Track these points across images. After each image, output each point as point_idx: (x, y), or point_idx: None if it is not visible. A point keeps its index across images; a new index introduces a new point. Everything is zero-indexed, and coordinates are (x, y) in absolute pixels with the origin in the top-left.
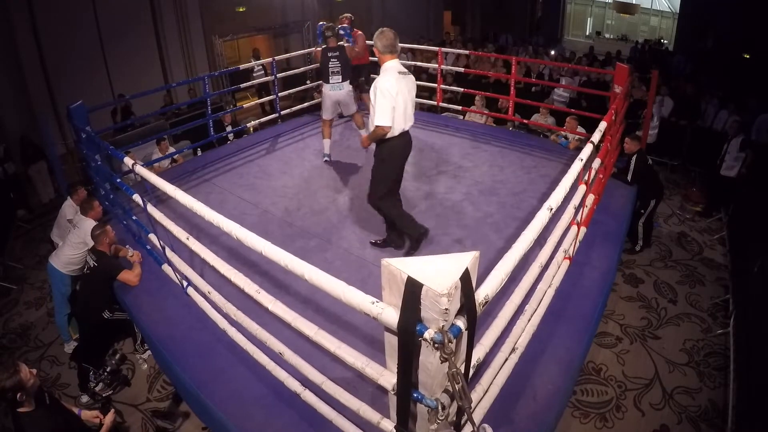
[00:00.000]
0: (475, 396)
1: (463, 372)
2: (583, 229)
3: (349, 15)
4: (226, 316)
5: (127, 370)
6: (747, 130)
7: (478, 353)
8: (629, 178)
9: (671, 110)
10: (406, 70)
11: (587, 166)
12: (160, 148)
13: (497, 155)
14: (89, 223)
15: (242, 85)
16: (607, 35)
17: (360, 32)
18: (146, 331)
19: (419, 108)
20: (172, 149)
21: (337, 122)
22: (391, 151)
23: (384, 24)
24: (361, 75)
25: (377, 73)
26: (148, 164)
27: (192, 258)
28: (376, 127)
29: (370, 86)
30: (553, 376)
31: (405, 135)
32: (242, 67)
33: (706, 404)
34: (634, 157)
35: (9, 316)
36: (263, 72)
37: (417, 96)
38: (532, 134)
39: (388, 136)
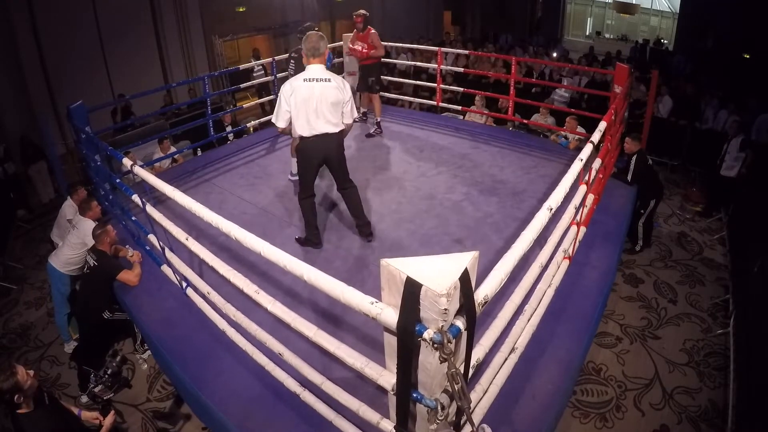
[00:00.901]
0: (474, 396)
1: (462, 372)
2: (583, 229)
3: (363, 12)
4: (225, 316)
5: (127, 371)
6: (747, 130)
7: (478, 353)
8: (629, 178)
9: (670, 110)
10: (325, 77)
11: (587, 166)
12: (161, 148)
13: (497, 155)
14: (88, 224)
15: (242, 85)
16: (607, 35)
17: (373, 30)
18: (146, 331)
19: (419, 108)
20: (173, 149)
21: None
22: (301, 153)
23: (384, 24)
24: (371, 75)
25: (386, 74)
26: (149, 164)
27: (191, 258)
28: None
29: (380, 87)
30: (553, 376)
31: (314, 140)
32: (242, 67)
33: (706, 404)
34: (634, 157)
35: (9, 316)
36: (263, 72)
37: (417, 96)
38: (532, 134)
39: (296, 137)
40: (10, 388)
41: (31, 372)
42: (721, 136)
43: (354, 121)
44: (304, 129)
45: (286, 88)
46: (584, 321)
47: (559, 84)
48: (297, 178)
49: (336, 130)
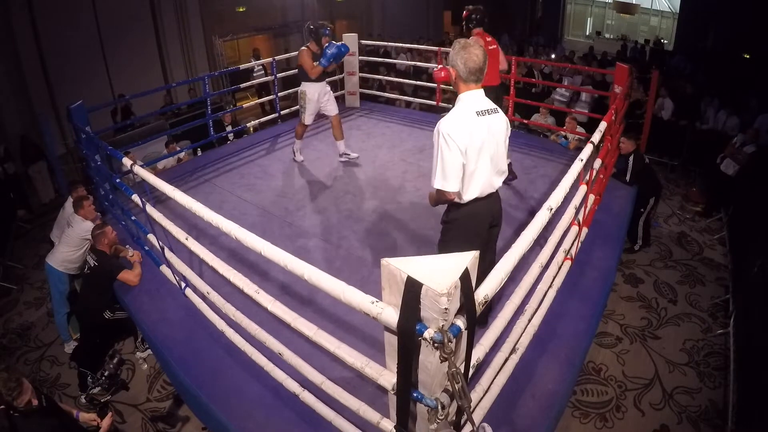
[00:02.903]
0: (475, 396)
1: (462, 371)
2: (584, 230)
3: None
4: (224, 316)
5: (126, 371)
6: (745, 130)
7: (478, 353)
8: (628, 178)
9: (672, 112)
10: (492, 107)
11: (588, 166)
12: (168, 150)
13: None
14: (83, 223)
15: (242, 85)
16: (607, 35)
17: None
18: (146, 331)
19: (419, 108)
20: (178, 148)
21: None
22: (463, 227)
23: (384, 24)
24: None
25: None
26: (155, 161)
27: (191, 258)
28: (437, 190)
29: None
30: (553, 376)
31: (483, 203)
32: (242, 67)
33: (706, 404)
34: (631, 158)
35: (9, 316)
36: (263, 72)
37: (417, 96)
38: (532, 134)
39: (457, 200)
40: (8, 403)
41: (35, 401)
42: (721, 136)
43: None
44: (479, 187)
45: (456, 130)
46: (584, 321)
47: (560, 84)
48: (302, 159)
49: (503, 179)
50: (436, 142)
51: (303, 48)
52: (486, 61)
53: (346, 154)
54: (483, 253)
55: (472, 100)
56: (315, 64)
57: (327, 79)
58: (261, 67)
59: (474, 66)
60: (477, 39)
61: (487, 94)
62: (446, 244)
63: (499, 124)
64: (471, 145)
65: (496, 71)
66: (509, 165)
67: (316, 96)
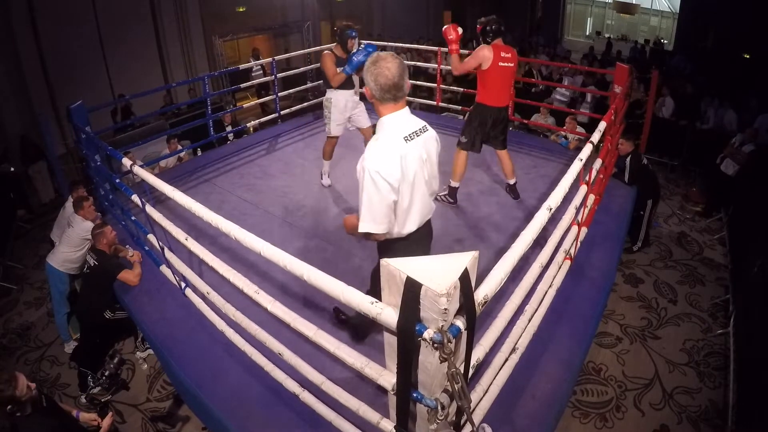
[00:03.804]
0: (474, 396)
1: (462, 372)
2: (584, 230)
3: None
4: (224, 316)
5: (126, 371)
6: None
7: (478, 353)
8: (626, 179)
9: (672, 111)
10: (421, 125)
11: (587, 166)
12: (169, 147)
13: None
14: (83, 223)
15: (242, 85)
16: (607, 35)
17: None
18: (146, 331)
19: (419, 108)
20: (180, 148)
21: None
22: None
23: (384, 24)
24: None
25: None
26: (155, 161)
27: (191, 259)
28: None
29: None
30: (553, 376)
31: (419, 234)
32: (242, 67)
33: (706, 404)
34: (628, 158)
35: (9, 316)
36: (262, 72)
37: (417, 96)
38: (532, 134)
39: (393, 237)
40: (5, 399)
41: (33, 384)
42: (721, 136)
43: None
44: (417, 219)
45: (386, 166)
46: (584, 321)
47: (560, 84)
48: (329, 184)
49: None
50: (361, 179)
51: (326, 52)
52: (403, 75)
53: None
54: None
55: (397, 123)
56: (338, 70)
57: (356, 88)
58: (260, 67)
59: (386, 82)
60: (490, 50)
61: (497, 116)
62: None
63: (430, 143)
64: (404, 179)
65: (507, 91)
66: (514, 185)
67: (343, 103)
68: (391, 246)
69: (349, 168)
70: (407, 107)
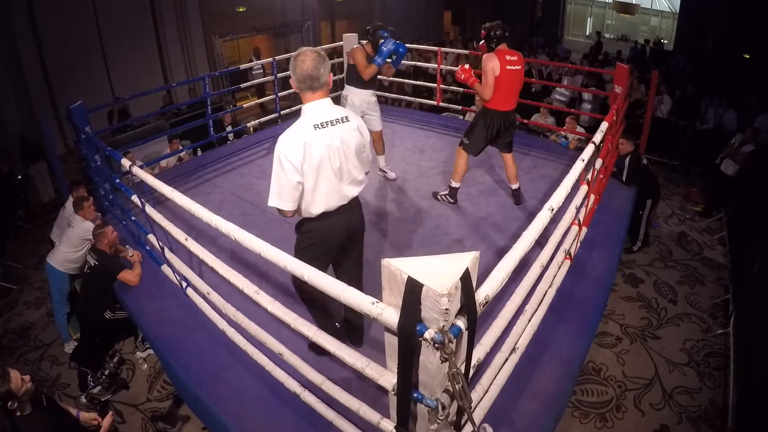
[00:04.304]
0: (475, 396)
1: (463, 372)
2: (584, 230)
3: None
4: (225, 316)
5: (126, 371)
6: (745, 130)
7: (479, 353)
8: (624, 178)
9: (670, 109)
10: (341, 115)
11: (589, 166)
12: (171, 146)
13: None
14: (83, 223)
15: (242, 85)
16: (607, 35)
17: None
18: (146, 331)
19: (419, 108)
20: (180, 147)
21: None
22: (316, 237)
23: (384, 24)
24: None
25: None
26: (156, 161)
27: (191, 259)
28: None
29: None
30: (553, 376)
31: (337, 214)
32: (242, 67)
33: (706, 404)
34: (627, 158)
35: (9, 316)
36: (262, 72)
37: (417, 96)
38: (532, 134)
39: (305, 216)
40: (2, 394)
41: (27, 377)
42: (721, 136)
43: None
44: (324, 202)
45: (289, 149)
46: (584, 321)
47: (559, 84)
48: (390, 174)
49: (360, 189)
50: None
51: (357, 46)
52: (319, 68)
53: (383, 171)
54: (345, 267)
55: (313, 111)
56: (368, 64)
57: (375, 89)
58: (260, 66)
59: (302, 73)
60: (495, 57)
61: (504, 120)
62: (297, 256)
63: (348, 133)
64: (307, 163)
65: (515, 95)
66: (517, 190)
67: (357, 103)
68: (305, 224)
69: None
70: (328, 98)
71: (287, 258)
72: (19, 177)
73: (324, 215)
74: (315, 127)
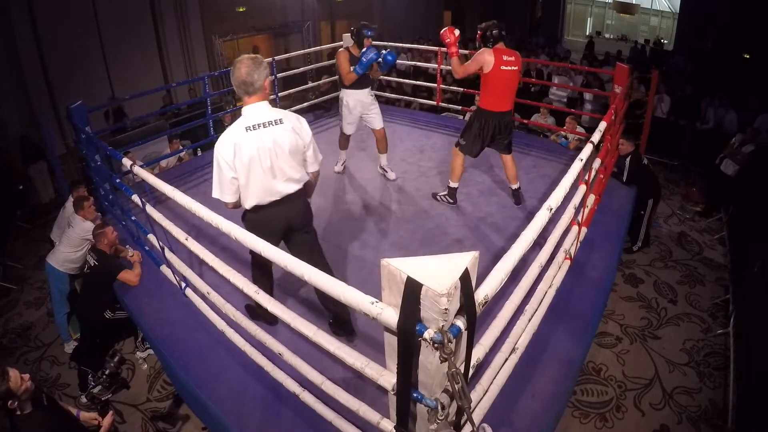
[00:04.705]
0: (474, 396)
1: (462, 372)
2: (584, 230)
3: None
4: (224, 316)
5: (126, 371)
6: (745, 130)
7: (478, 353)
8: (624, 179)
9: (669, 108)
10: (274, 118)
11: (587, 166)
12: (171, 146)
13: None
14: (83, 223)
15: None
16: (607, 35)
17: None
18: (146, 331)
19: (419, 108)
20: (181, 147)
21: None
22: (254, 229)
23: (384, 24)
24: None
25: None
26: (156, 161)
27: (191, 259)
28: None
29: None
30: (553, 376)
31: (271, 208)
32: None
33: (706, 404)
34: (627, 159)
35: (9, 316)
36: None
37: (417, 96)
38: (532, 134)
39: (243, 208)
40: (2, 393)
41: (26, 376)
42: (721, 136)
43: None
44: (256, 196)
45: (222, 148)
46: (584, 321)
47: (553, 83)
48: (339, 170)
49: (299, 187)
50: None
51: (341, 50)
52: (252, 74)
53: (384, 170)
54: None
55: (248, 114)
56: (350, 69)
57: (371, 88)
58: None
59: (237, 79)
60: (491, 53)
61: (499, 121)
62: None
63: (281, 134)
64: (238, 161)
65: (510, 96)
66: (517, 190)
67: (353, 104)
68: (245, 215)
69: (359, 167)
70: (264, 102)
71: (287, 258)
72: (21, 187)
73: (258, 208)
74: (246, 129)
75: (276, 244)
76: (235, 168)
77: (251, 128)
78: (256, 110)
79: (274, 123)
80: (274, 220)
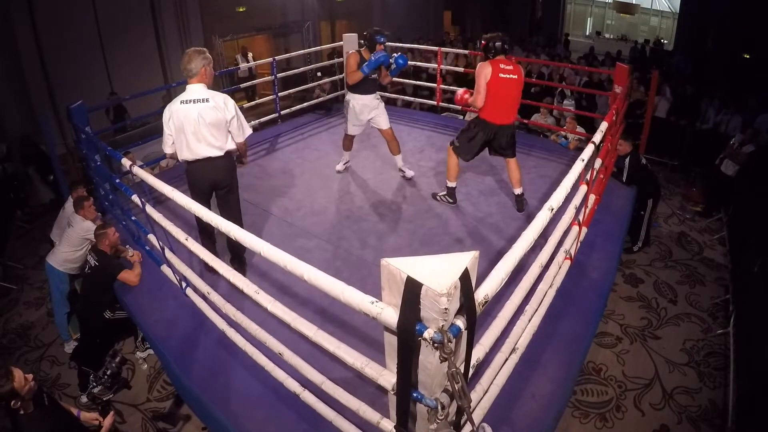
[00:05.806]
0: (474, 396)
1: (462, 372)
2: (584, 230)
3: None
4: (225, 316)
5: (127, 371)
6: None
7: (478, 353)
8: (623, 179)
9: (669, 108)
10: (202, 97)
11: (588, 166)
12: None
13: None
14: (83, 223)
15: (242, 85)
16: (607, 35)
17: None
18: (146, 331)
19: (419, 108)
20: None
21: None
22: (187, 179)
23: (384, 24)
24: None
25: None
26: (155, 161)
27: (191, 258)
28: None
29: None
30: (553, 376)
31: (198, 165)
32: (242, 67)
33: (706, 404)
34: (627, 159)
35: (9, 316)
36: (248, 73)
37: (417, 96)
38: (532, 134)
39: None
40: (6, 393)
41: (30, 376)
42: (721, 136)
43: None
44: (185, 153)
45: (165, 113)
46: (584, 321)
47: (559, 84)
48: (340, 170)
49: (220, 153)
50: None
51: (353, 51)
52: (190, 62)
53: (402, 171)
54: (222, 211)
55: (187, 91)
56: (357, 68)
57: (378, 92)
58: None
59: (182, 66)
60: (488, 65)
61: (496, 133)
62: (189, 194)
63: (204, 110)
64: (171, 124)
65: (511, 106)
66: (521, 196)
67: (359, 108)
68: (186, 169)
69: (359, 166)
70: (201, 84)
71: (287, 257)
72: (22, 196)
73: (189, 162)
74: (181, 102)
75: (207, 201)
76: (171, 128)
77: (185, 102)
78: (192, 89)
79: (201, 101)
80: (200, 174)
